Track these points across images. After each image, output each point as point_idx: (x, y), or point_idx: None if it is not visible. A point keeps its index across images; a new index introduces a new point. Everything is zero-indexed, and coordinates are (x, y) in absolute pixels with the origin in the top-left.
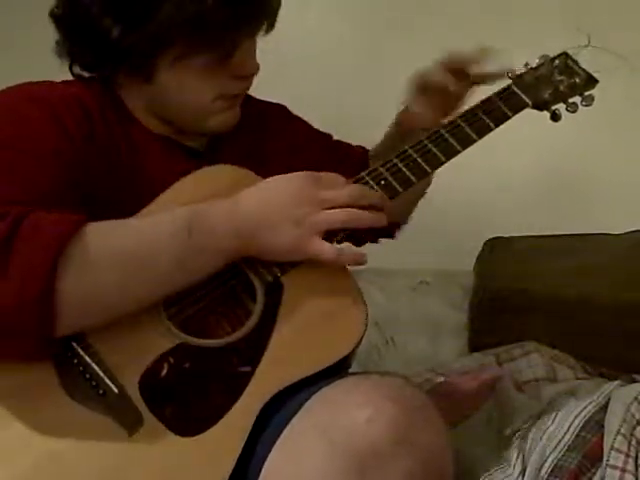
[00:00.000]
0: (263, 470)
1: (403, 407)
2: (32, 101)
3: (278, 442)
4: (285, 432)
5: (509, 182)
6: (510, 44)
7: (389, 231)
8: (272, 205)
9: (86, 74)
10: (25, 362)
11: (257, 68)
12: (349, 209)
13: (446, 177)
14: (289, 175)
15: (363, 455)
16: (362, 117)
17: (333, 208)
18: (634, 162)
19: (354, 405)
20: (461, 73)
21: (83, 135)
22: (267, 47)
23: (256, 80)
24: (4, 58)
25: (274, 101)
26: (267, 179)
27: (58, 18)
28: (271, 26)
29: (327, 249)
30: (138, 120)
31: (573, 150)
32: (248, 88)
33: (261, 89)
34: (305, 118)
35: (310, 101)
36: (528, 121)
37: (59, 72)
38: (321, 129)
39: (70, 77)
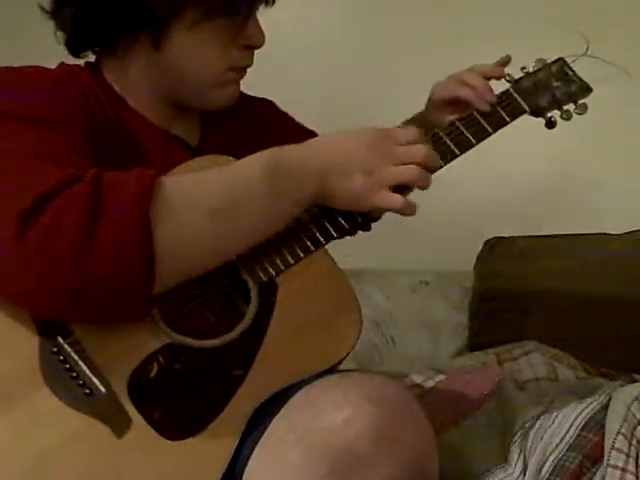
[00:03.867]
0: (244, 476)
1: (383, 406)
2: (33, 82)
3: (257, 447)
4: (264, 437)
5: (509, 182)
6: (508, 46)
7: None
8: (347, 152)
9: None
10: (128, 324)
11: (264, 41)
12: (419, 168)
13: (446, 177)
14: (367, 128)
15: (342, 458)
16: (362, 115)
17: (404, 164)
18: (634, 162)
19: (332, 405)
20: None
21: (87, 115)
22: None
23: (255, 78)
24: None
25: (272, 98)
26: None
27: None
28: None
29: (395, 200)
30: (130, 106)
31: (573, 150)
32: (252, 63)
33: (259, 87)
34: (303, 115)
35: (310, 100)
36: (527, 121)
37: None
38: (319, 128)
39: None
